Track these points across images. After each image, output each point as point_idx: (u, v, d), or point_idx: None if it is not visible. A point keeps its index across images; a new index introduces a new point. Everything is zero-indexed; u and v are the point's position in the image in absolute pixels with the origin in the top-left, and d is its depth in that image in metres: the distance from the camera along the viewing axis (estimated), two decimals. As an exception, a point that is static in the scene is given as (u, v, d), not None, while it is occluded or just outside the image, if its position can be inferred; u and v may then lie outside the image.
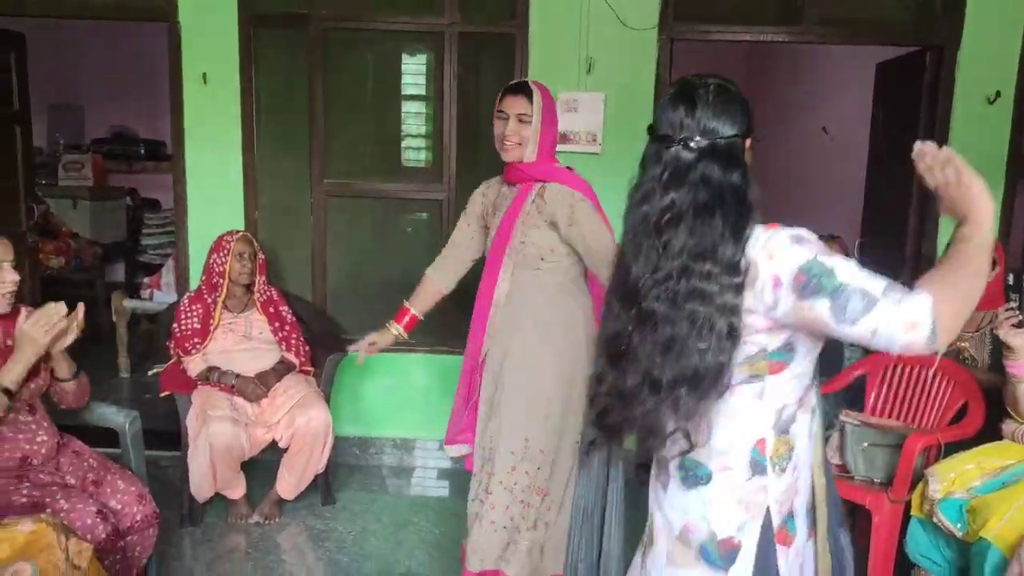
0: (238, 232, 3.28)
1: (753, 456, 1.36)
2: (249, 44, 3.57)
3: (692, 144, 1.32)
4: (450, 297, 2.63)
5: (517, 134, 2.38)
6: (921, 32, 3.54)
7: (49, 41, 5.67)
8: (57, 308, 2.11)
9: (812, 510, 1.46)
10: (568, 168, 2.46)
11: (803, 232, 1.28)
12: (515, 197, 2.43)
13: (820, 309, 1.21)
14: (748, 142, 1.37)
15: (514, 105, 2.38)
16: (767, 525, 1.38)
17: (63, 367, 2.30)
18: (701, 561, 1.40)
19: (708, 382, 1.28)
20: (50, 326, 2.10)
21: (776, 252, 1.27)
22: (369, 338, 2.55)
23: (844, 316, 1.19)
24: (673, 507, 1.44)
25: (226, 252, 3.20)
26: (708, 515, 1.39)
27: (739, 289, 1.27)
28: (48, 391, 2.33)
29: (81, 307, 2.24)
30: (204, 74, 3.56)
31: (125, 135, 6.80)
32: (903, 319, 1.16)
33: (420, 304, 2.59)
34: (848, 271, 1.22)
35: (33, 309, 2.17)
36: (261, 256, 3.32)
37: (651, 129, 1.40)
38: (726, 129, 1.33)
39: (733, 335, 1.27)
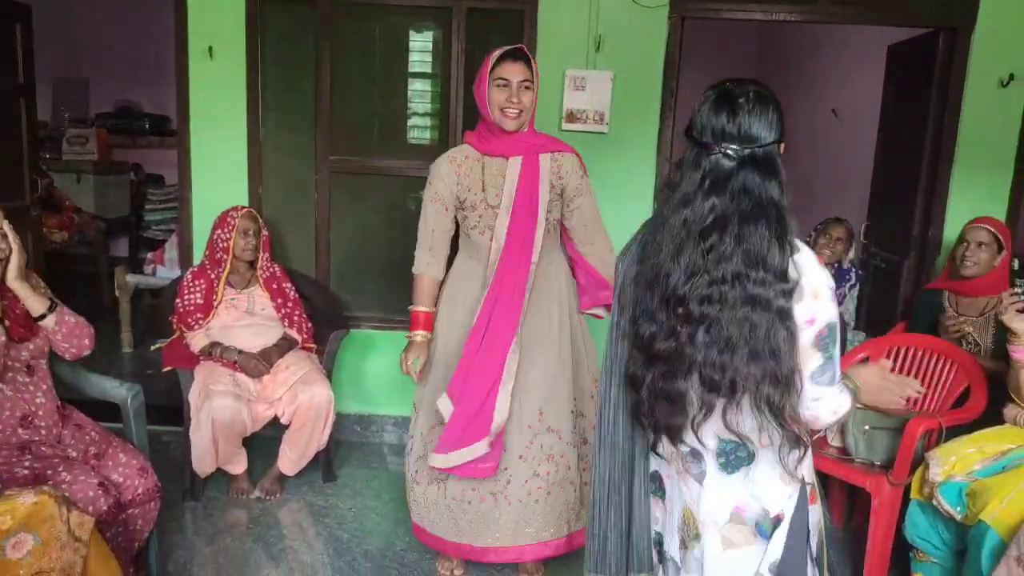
0: (243, 208, 3.27)
1: (788, 433, 1.43)
2: (255, 18, 3.54)
3: (731, 152, 1.37)
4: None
5: (521, 102, 2.36)
6: (935, 13, 3.49)
7: (55, 14, 5.64)
8: None
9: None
10: None
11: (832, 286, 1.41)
12: (522, 169, 2.40)
13: (814, 362, 1.40)
14: (782, 146, 1.43)
15: (516, 72, 2.35)
16: (803, 491, 1.50)
17: (32, 302, 2.20)
18: (757, 537, 1.49)
19: (785, 381, 1.36)
20: None
21: (820, 295, 1.38)
22: (410, 362, 2.50)
23: (819, 379, 1.41)
24: (715, 495, 1.50)
25: (231, 228, 3.19)
26: (757, 493, 1.48)
27: (790, 295, 1.35)
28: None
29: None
30: (210, 48, 3.53)
31: (130, 110, 6.78)
32: (836, 406, 1.44)
33: (428, 301, 2.53)
34: (838, 347, 1.42)
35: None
36: (265, 233, 3.31)
37: (688, 132, 1.44)
38: (764, 135, 1.38)
39: (793, 337, 1.36)
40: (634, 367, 1.48)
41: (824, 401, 1.42)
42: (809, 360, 1.39)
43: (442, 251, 2.53)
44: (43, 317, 2.24)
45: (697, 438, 1.46)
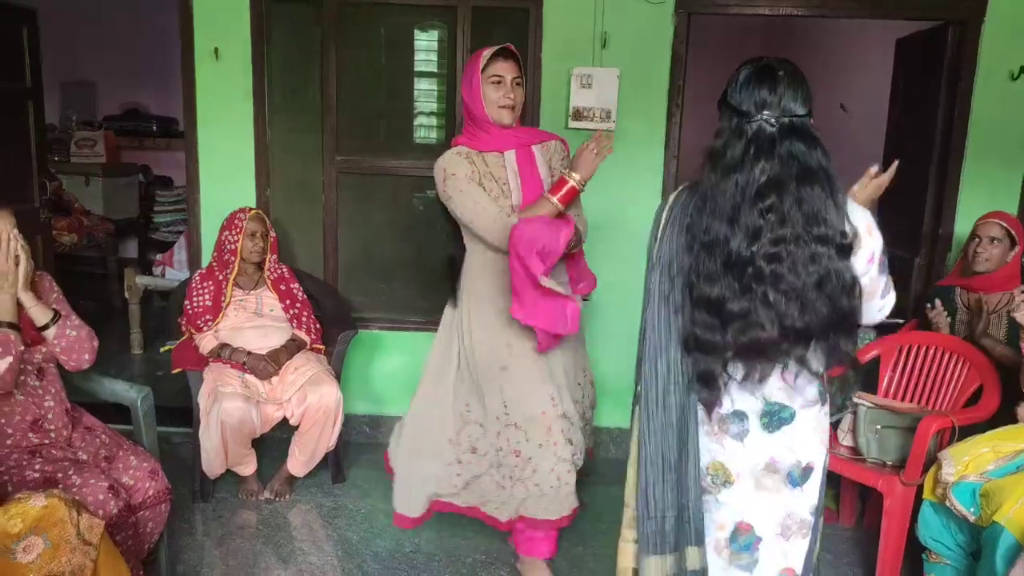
0: (251, 210, 3.27)
1: (820, 389, 1.63)
2: (261, 19, 3.54)
3: (773, 120, 1.51)
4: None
5: (515, 99, 2.47)
6: (944, 6, 3.46)
7: (62, 18, 5.65)
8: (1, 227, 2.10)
9: None
10: None
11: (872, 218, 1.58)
12: (521, 163, 2.48)
13: (882, 283, 1.61)
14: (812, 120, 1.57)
15: (509, 69, 2.45)
16: (829, 443, 1.68)
17: (36, 312, 2.20)
18: (787, 484, 1.64)
19: (851, 326, 1.52)
20: (2, 252, 2.09)
21: (872, 230, 1.55)
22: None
23: (885, 295, 1.63)
24: (754, 451, 1.64)
25: (238, 231, 3.19)
26: (793, 447, 1.63)
27: (849, 249, 1.51)
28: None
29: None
30: (216, 49, 3.53)
31: (137, 112, 6.80)
32: (889, 307, 1.65)
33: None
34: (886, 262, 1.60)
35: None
36: (273, 235, 3.30)
37: (725, 103, 1.57)
38: (799, 108, 1.53)
39: (856, 283, 1.52)
40: (704, 332, 1.55)
41: (886, 309, 1.63)
42: (879, 283, 1.59)
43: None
44: (45, 327, 2.25)
45: (756, 395, 1.60)
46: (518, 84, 2.48)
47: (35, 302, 2.22)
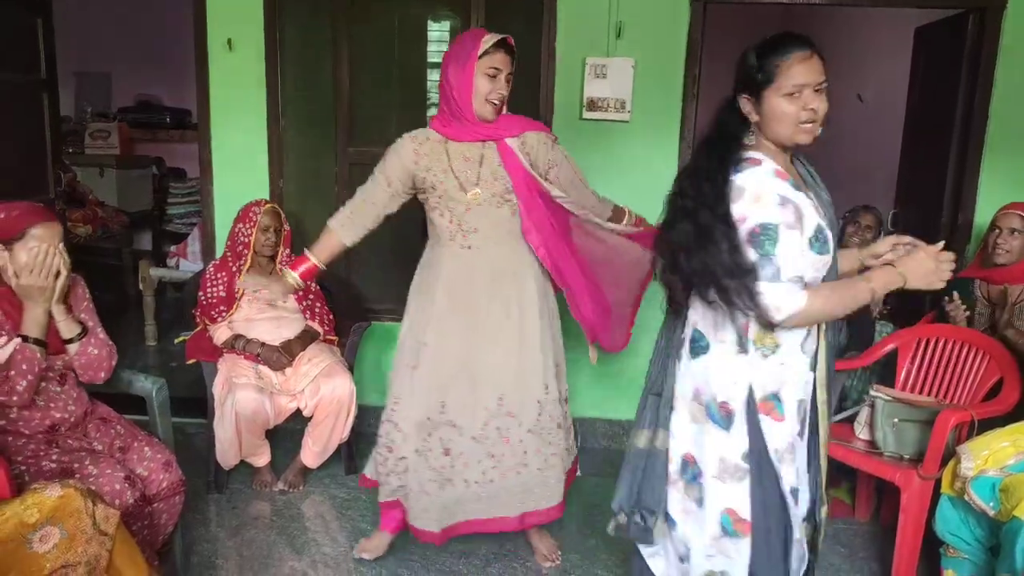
0: (265, 203, 3.25)
1: (738, 335, 1.74)
2: (274, 10, 3.53)
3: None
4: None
5: (504, 95, 2.38)
6: (964, -6, 3.41)
7: (76, 9, 5.67)
8: (42, 247, 2.08)
9: (806, 415, 1.81)
10: None
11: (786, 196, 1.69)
12: (505, 157, 2.40)
13: (752, 257, 1.68)
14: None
15: (507, 63, 2.35)
16: (750, 397, 1.74)
17: (63, 326, 2.20)
18: (709, 420, 1.78)
19: (731, 272, 1.64)
20: (47, 267, 2.08)
21: (762, 199, 1.66)
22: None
23: (759, 273, 1.64)
24: (685, 374, 1.83)
25: (252, 224, 3.18)
26: (709, 379, 1.78)
27: (721, 201, 1.67)
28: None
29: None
30: (229, 40, 3.53)
31: (151, 104, 6.81)
32: (779, 303, 1.64)
33: (321, 255, 2.53)
34: (780, 248, 1.67)
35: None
36: (287, 228, 3.29)
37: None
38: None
39: (730, 234, 1.65)
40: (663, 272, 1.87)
41: (765, 296, 1.63)
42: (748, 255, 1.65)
43: (363, 221, 2.50)
44: (70, 341, 2.24)
45: (689, 322, 1.83)
46: (509, 79, 2.38)
47: (65, 316, 2.21)
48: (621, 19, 3.40)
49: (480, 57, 2.29)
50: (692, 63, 3.44)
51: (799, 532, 1.82)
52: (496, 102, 2.35)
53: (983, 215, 3.41)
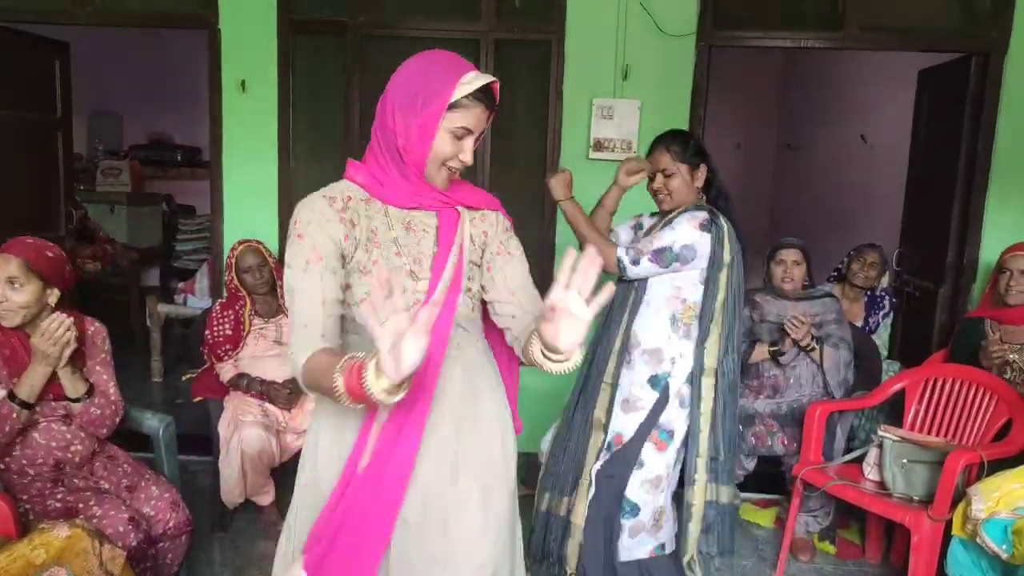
0: (240, 245, 3.20)
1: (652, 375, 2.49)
2: (287, 51, 3.61)
3: None
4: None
5: (469, 162, 1.63)
6: (966, 38, 3.47)
7: (90, 48, 5.77)
8: (60, 319, 2.09)
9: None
10: None
11: None
12: (439, 231, 1.65)
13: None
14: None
15: (482, 122, 1.60)
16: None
17: (69, 388, 2.19)
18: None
19: None
20: (57, 338, 2.08)
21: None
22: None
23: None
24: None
25: (230, 269, 3.19)
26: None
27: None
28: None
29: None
30: (243, 81, 3.60)
31: (162, 142, 6.91)
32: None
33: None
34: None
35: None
36: (273, 260, 3.26)
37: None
38: None
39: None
40: None
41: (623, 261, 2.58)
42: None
43: (336, 338, 1.55)
44: (75, 400, 2.22)
45: None
46: (480, 141, 1.64)
47: (71, 376, 2.18)
48: (628, 62, 3.46)
49: (450, 108, 1.55)
50: (697, 104, 3.49)
51: None
52: (455, 169, 1.63)
53: (988, 255, 3.42)
